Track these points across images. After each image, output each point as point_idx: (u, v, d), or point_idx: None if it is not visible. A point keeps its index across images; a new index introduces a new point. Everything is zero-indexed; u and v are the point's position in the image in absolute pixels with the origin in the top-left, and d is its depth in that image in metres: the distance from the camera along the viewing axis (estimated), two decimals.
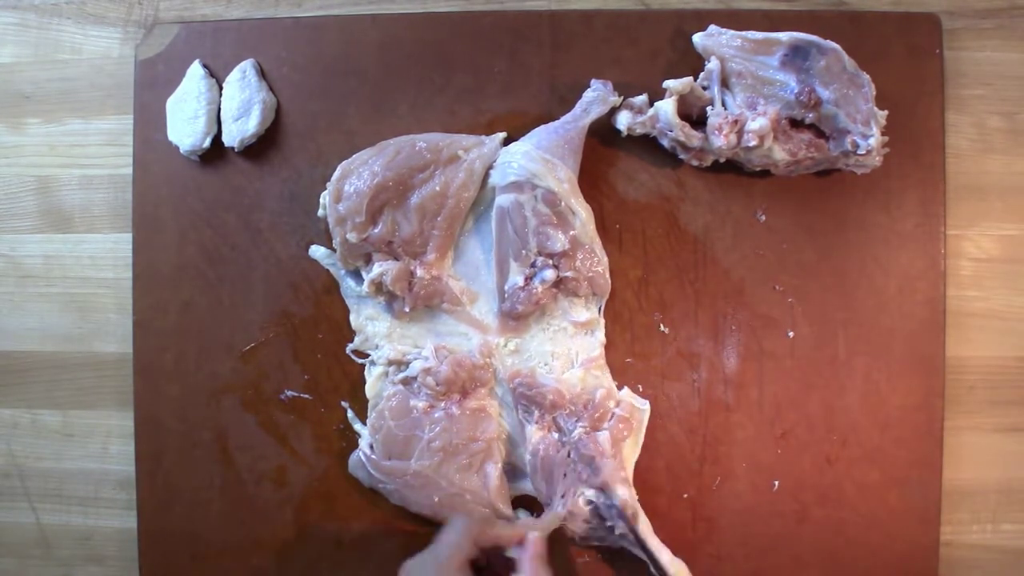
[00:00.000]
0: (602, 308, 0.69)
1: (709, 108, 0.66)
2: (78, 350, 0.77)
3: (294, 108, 0.72)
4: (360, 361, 0.71)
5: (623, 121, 0.67)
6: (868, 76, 0.63)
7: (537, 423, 0.67)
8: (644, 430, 0.68)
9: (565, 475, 0.66)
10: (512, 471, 0.69)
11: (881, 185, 0.68)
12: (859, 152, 0.63)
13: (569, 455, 0.66)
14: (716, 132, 0.64)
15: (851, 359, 0.68)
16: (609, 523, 0.65)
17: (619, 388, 0.69)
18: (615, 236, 0.69)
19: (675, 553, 0.65)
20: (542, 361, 0.68)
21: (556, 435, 0.67)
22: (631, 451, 0.67)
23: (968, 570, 0.70)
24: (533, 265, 0.66)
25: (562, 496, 0.65)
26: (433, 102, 0.70)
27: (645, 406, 0.68)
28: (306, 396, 0.72)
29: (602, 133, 0.68)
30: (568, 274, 0.66)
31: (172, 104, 0.71)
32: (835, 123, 0.64)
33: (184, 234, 0.72)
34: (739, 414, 0.69)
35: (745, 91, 0.65)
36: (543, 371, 0.68)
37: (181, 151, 0.71)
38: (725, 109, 0.65)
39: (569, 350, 0.68)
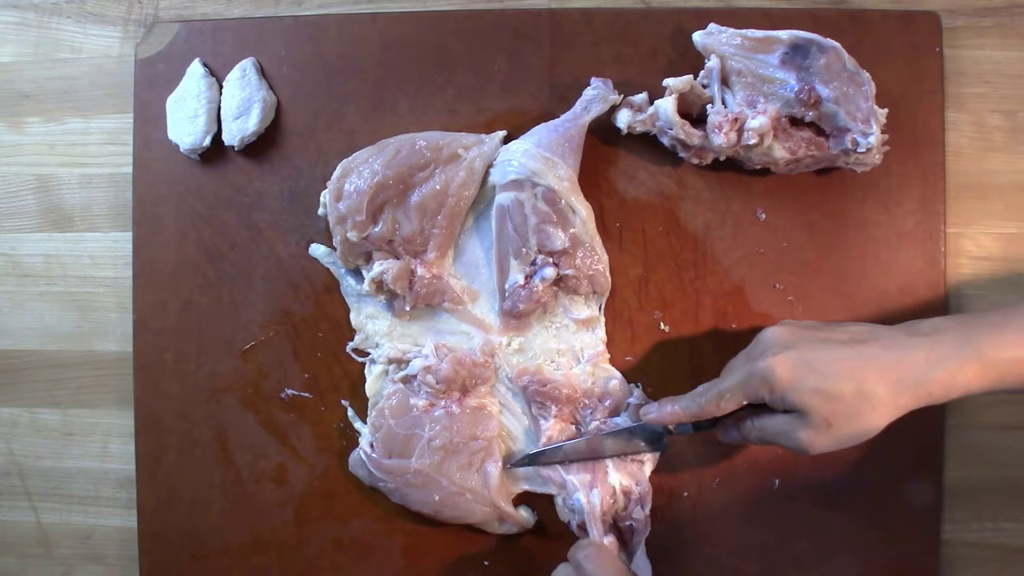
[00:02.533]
0: (602, 306, 0.69)
1: (709, 106, 0.66)
2: (78, 349, 0.77)
3: (294, 107, 0.72)
4: (360, 360, 0.71)
5: (623, 119, 0.67)
6: (868, 74, 0.63)
7: (556, 417, 0.67)
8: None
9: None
10: (511, 470, 0.69)
11: (881, 183, 0.68)
12: (859, 150, 0.63)
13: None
14: (716, 130, 0.64)
15: None
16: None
17: None
18: (615, 234, 0.69)
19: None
20: (548, 358, 0.68)
21: (574, 427, 0.68)
22: None
23: (969, 568, 0.70)
24: (533, 263, 0.66)
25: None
26: (433, 101, 0.71)
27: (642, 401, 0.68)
28: (306, 395, 0.72)
29: (602, 131, 0.68)
30: (568, 272, 0.66)
31: (172, 103, 0.71)
32: (835, 121, 0.64)
33: (184, 233, 0.72)
34: None
35: (745, 89, 0.65)
36: (550, 368, 0.68)
37: (181, 150, 0.71)
38: (725, 107, 0.65)
39: (573, 347, 0.68)
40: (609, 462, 0.67)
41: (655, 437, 0.66)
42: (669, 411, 0.61)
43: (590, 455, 0.66)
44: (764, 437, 0.58)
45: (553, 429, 0.67)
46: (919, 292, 0.68)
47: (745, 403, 0.58)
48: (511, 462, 0.68)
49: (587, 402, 0.67)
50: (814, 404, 0.54)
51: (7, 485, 0.78)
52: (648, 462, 0.68)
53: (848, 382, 0.53)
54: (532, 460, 0.67)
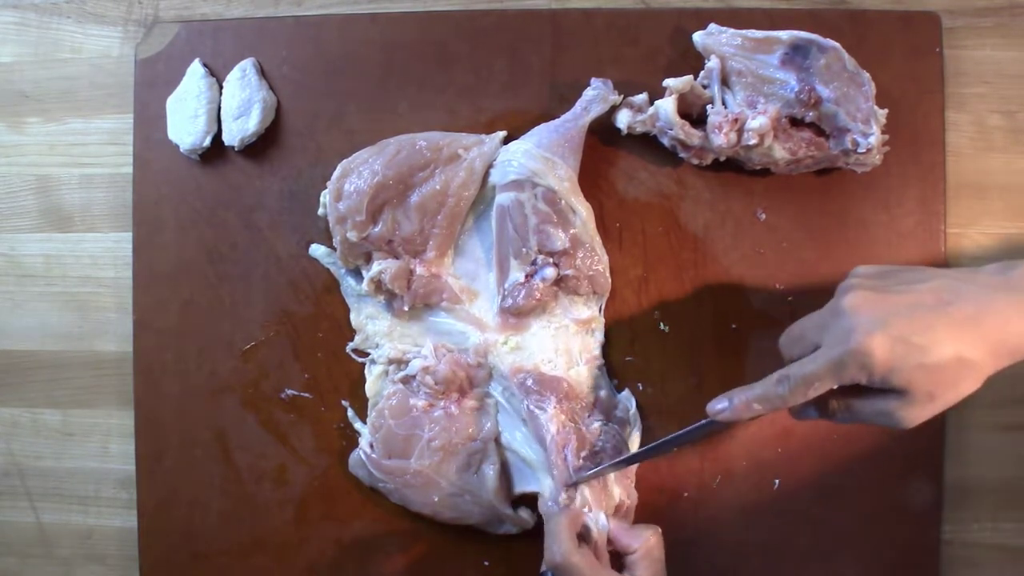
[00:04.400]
0: (602, 307, 0.69)
1: (709, 107, 0.66)
2: (78, 349, 0.77)
3: (294, 107, 0.72)
4: (360, 360, 0.71)
5: (623, 120, 0.67)
6: (868, 75, 0.63)
7: (556, 408, 0.66)
8: (638, 441, 0.68)
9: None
10: (507, 472, 0.69)
11: (881, 183, 0.68)
12: (859, 150, 0.63)
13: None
14: (716, 131, 0.64)
15: None
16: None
17: (620, 389, 0.69)
18: (615, 235, 0.69)
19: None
20: (545, 359, 0.68)
21: (572, 425, 0.66)
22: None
23: (969, 568, 0.70)
24: (533, 263, 0.66)
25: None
26: (433, 101, 0.71)
27: (631, 404, 0.68)
28: (306, 395, 0.72)
29: (602, 132, 0.68)
30: (568, 272, 0.66)
31: (172, 103, 0.71)
32: (835, 122, 0.64)
33: (184, 233, 0.72)
34: None
35: (745, 89, 0.65)
36: (547, 368, 0.67)
37: (181, 150, 0.71)
38: (725, 108, 0.65)
39: (571, 348, 0.68)
40: (612, 475, 0.65)
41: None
42: (743, 405, 0.55)
43: (663, 452, 0.64)
44: (854, 416, 0.54)
45: (555, 422, 0.66)
46: None
47: (834, 388, 0.53)
48: (579, 477, 0.64)
49: (584, 403, 0.67)
50: (918, 381, 0.50)
51: (7, 485, 0.78)
52: (632, 476, 0.67)
53: (947, 350, 0.50)
54: (600, 472, 0.64)
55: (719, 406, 0.57)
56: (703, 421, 0.59)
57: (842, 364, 0.51)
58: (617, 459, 0.65)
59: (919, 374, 0.50)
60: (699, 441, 0.66)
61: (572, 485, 0.64)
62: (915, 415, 0.52)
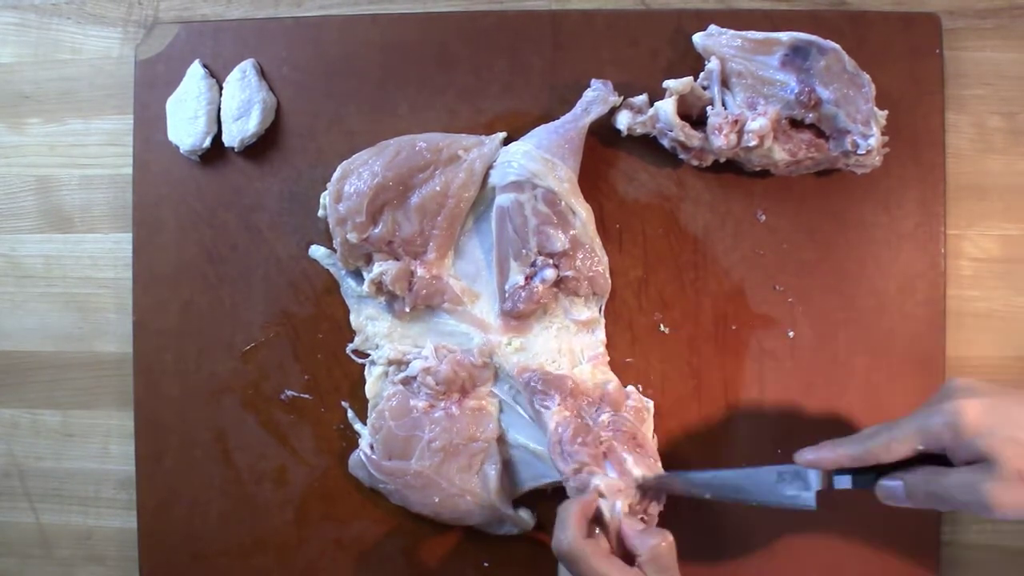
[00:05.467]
0: (602, 308, 0.69)
1: (709, 108, 0.66)
2: (78, 350, 0.77)
3: (294, 108, 0.72)
4: (360, 361, 0.71)
5: (623, 121, 0.67)
6: (868, 76, 0.64)
7: (560, 406, 0.65)
8: (652, 428, 0.68)
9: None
10: (512, 471, 0.69)
11: (881, 185, 0.68)
12: (859, 152, 0.64)
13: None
14: (716, 132, 0.64)
15: (851, 359, 0.68)
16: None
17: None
18: (615, 236, 0.69)
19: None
20: (550, 359, 0.68)
21: (579, 421, 0.65)
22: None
23: (968, 569, 0.70)
24: (533, 265, 0.66)
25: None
26: (433, 102, 0.71)
27: (650, 404, 0.68)
28: (306, 396, 0.72)
29: (602, 133, 0.68)
30: (568, 274, 0.66)
31: (172, 104, 0.71)
32: (835, 123, 0.64)
33: (184, 234, 0.72)
34: (739, 414, 0.69)
35: (745, 91, 0.65)
36: (552, 367, 0.67)
37: (181, 151, 0.71)
38: (725, 109, 0.65)
39: (574, 347, 0.68)
40: (628, 456, 0.64)
41: (802, 487, 0.57)
42: (828, 454, 0.55)
43: (731, 494, 0.61)
44: (937, 492, 0.51)
45: (558, 416, 0.65)
46: (919, 294, 0.68)
47: (920, 449, 0.51)
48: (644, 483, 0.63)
49: (591, 399, 0.67)
50: (1007, 453, 0.47)
51: (7, 486, 0.78)
52: (656, 456, 0.66)
53: None
54: (659, 482, 0.63)
55: (807, 455, 0.56)
56: (788, 465, 0.58)
57: (930, 422, 0.50)
58: (670, 473, 0.63)
59: (1011, 447, 0.48)
60: (777, 506, 0.60)
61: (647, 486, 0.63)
62: (1003, 493, 0.48)
